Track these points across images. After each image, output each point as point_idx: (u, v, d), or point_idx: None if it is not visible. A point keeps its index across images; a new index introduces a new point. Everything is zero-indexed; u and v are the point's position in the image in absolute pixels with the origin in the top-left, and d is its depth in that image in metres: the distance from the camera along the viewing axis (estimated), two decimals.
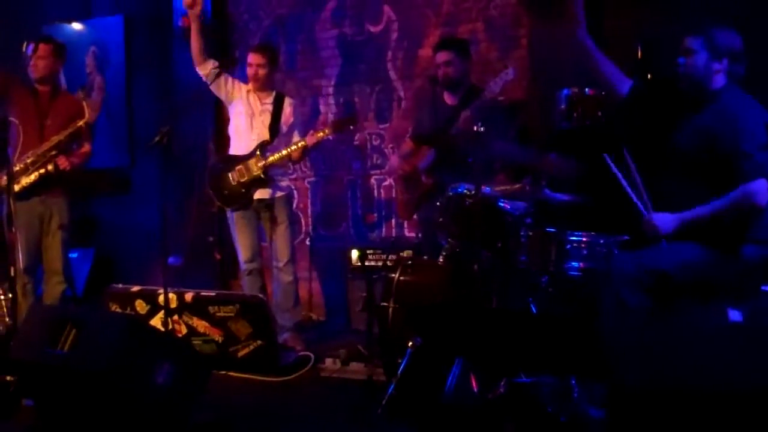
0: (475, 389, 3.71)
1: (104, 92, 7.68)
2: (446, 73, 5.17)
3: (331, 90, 6.96)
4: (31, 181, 5.28)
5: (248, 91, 5.73)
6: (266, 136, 5.62)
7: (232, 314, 4.97)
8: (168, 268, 4.98)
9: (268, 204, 5.64)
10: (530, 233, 4.25)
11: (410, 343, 4.04)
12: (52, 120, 5.39)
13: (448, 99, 5.27)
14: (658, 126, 4.02)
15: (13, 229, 4.97)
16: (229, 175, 5.59)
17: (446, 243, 4.54)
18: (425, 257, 4.94)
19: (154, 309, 5.17)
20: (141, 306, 5.25)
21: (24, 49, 5.39)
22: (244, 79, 6.02)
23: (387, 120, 6.74)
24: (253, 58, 5.65)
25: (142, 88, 7.65)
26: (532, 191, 4.31)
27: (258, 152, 5.56)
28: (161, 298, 4.97)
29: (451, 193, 4.51)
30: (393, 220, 6.70)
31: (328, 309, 6.81)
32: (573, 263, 4.10)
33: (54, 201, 5.42)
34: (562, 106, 4.87)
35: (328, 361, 5.05)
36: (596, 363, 2.98)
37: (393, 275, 4.55)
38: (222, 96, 5.78)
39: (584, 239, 4.12)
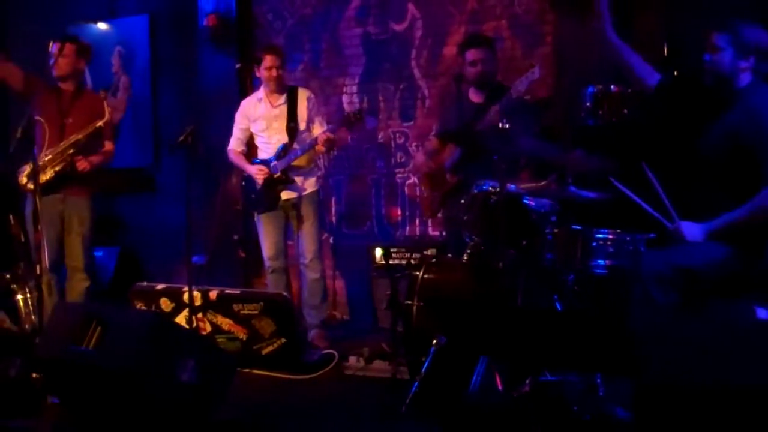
0: (500, 387, 3.69)
1: (129, 92, 7.73)
2: (477, 71, 5.13)
3: (355, 88, 6.96)
4: (48, 178, 5.30)
5: (259, 100, 5.77)
6: (284, 137, 5.64)
7: (256, 312, 4.98)
8: (193, 266, 4.99)
9: (294, 203, 5.66)
10: (555, 231, 4.21)
11: (434, 342, 4.02)
12: (73, 119, 5.42)
13: (474, 96, 5.24)
14: (684, 124, 3.97)
15: (39, 227, 5.00)
16: (255, 179, 5.65)
17: (471, 241, 4.51)
18: (449, 255, 4.92)
19: (179, 307, 5.19)
20: (166, 304, 5.27)
21: (49, 48, 5.43)
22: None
23: (411, 118, 6.72)
24: (270, 61, 5.64)
25: (167, 88, 7.70)
26: (557, 188, 4.28)
27: (279, 155, 5.58)
28: (186, 296, 4.98)
29: (475, 191, 4.48)
30: (417, 219, 6.68)
31: (352, 307, 6.81)
32: (599, 261, 4.05)
33: (75, 200, 5.46)
34: (588, 103, 4.85)
35: (352, 359, 5.04)
36: (623, 361, 2.95)
37: (417, 273, 4.53)
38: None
39: (610, 237, 4.08)
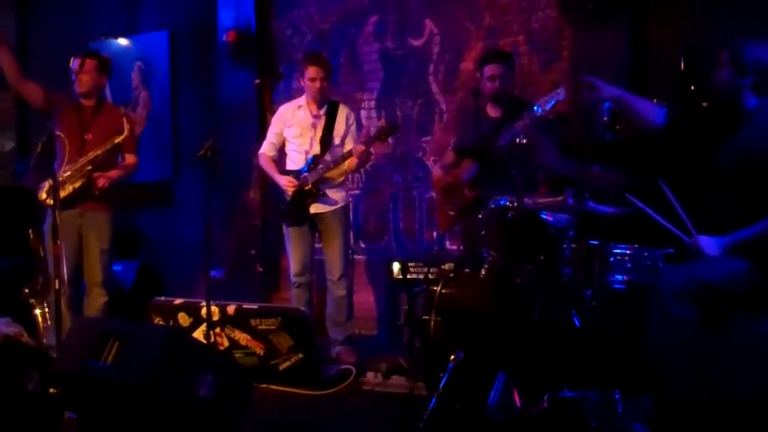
0: (518, 403, 3.67)
1: (149, 107, 7.77)
2: (495, 87, 5.12)
3: (373, 103, 6.97)
4: (66, 194, 5.34)
5: (299, 107, 5.72)
6: (317, 148, 5.62)
7: (273, 327, 4.98)
8: (211, 280, 5.01)
9: (322, 217, 5.64)
10: (573, 246, 4.21)
11: (452, 357, 4.01)
12: (93, 134, 5.48)
13: (492, 111, 5.23)
14: (698, 145, 3.97)
15: (59, 242, 5.02)
16: (284, 191, 5.62)
17: (488, 256, 4.51)
18: (467, 270, 4.90)
19: (197, 322, 5.20)
20: (184, 318, 5.28)
21: (70, 64, 5.47)
22: (288, 93, 6.04)
23: (429, 133, 6.73)
24: (314, 72, 5.57)
25: (187, 103, 7.74)
26: (575, 203, 4.27)
27: (309, 166, 5.57)
28: (204, 311, 4.99)
29: (493, 206, 4.48)
30: (435, 233, 6.67)
31: (370, 322, 6.80)
32: (617, 276, 4.04)
33: (94, 215, 5.51)
34: (605, 118, 4.84)
35: (370, 375, 5.03)
36: (641, 377, 2.93)
37: (435, 288, 4.52)
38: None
39: (628, 252, 4.07)
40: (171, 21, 7.81)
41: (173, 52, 7.78)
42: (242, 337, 5.10)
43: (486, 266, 4.49)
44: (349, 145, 5.63)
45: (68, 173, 5.37)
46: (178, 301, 5.39)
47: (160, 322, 5.35)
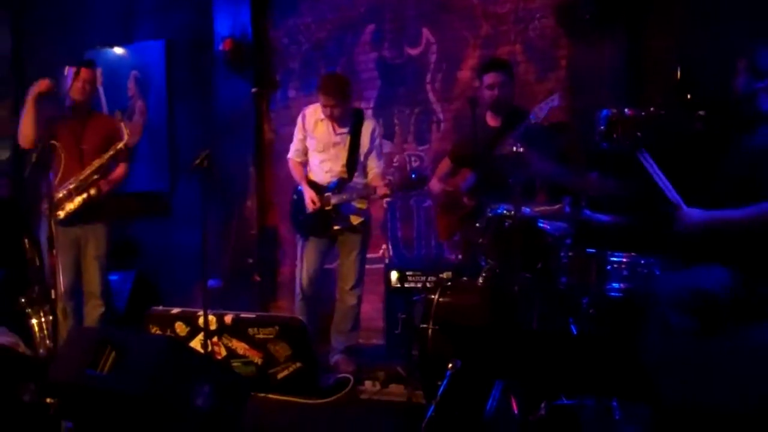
0: (516, 412, 3.67)
1: (145, 116, 7.77)
2: (494, 95, 5.12)
3: (370, 112, 6.96)
4: (75, 206, 5.37)
5: (322, 120, 5.58)
6: (339, 169, 5.54)
7: (271, 336, 4.97)
8: (208, 290, 5.00)
9: (343, 233, 5.61)
10: (570, 254, 4.21)
11: (450, 365, 4.00)
12: (88, 144, 5.48)
13: (491, 120, 5.23)
14: (709, 152, 4.00)
15: (54, 252, 5.02)
16: (320, 198, 5.55)
17: (486, 264, 4.51)
18: (465, 278, 4.90)
19: (194, 331, 5.19)
20: (181, 328, 5.27)
21: (65, 72, 5.47)
22: (283, 100, 6.01)
23: (426, 142, 6.73)
24: (324, 101, 5.44)
25: (183, 112, 7.74)
26: (572, 212, 4.28)
27: (334, 190, 5.51)
28: (201, 320, 4.99)
29: (490, 214, 4.48)
30: (432, 242, 6.67)
31: (367, 331, 6.79)
32: (614, 284, 4.05)
33: (92, 226, 5.50)
34: (602, 127, 4.84)
35: (368, 384, 5.03)
36: (638, 385, 2.93)
37: (432, 297, 4.52)
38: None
39: (625, 260, 4.08)
40: (167, 30, 7.81)
41: (169, 61, 7.78)
42: (240, 347, 5.09)
43: (483, 274, 4.50)
44: (372, 162, 5.57)
45: (74, 185, 5.37)
46: (175, 310, 5.38)
47: (158, 332, 5.33)
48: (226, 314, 5.15)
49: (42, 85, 5.36)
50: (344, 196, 5.48)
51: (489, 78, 5.15)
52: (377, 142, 5.62)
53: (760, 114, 3.76)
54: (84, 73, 5.47)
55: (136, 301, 6.91)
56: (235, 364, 5.06)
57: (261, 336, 5.01)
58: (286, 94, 7.32)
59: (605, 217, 4.28)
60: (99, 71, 5.75)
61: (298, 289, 5.70)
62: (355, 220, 5.60)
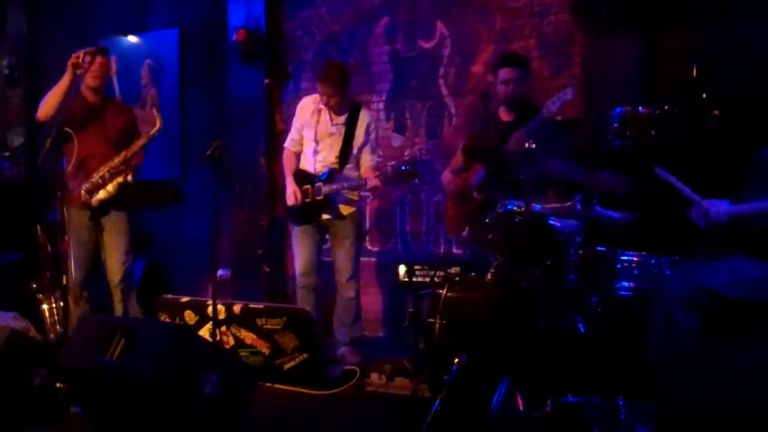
0: (522, 408, 3.67)
1: (158, 105, 7.78)
2: (509, 91, 5.12)
3: (382, 105, 6.97)
4: (112, 192, 5.30)
5: (319, 110, 5.61)
6: (332, 160, 5.56)
7: (279, 327, 4.99)
8: (217, 279, 5.01)
9: (334, 222, 5.62)
10: (580, 252, 4.21)
11: (456, 360, 4.01)
12: (112, 129, 5.44)
13: (504, 115, 5.23)
14: (723, 152, 3.98)
15: (66, 238, 5.03)
16: (303, 191, 5.57)
17: (495, 260, 4.50)
18: (473, 274, 4.90)
19: (203, 320, 5.21)
20: (190, 316, 5.29)
21: (80, 59, 5.39)
22: (296, 93, 5.99)
23: (438, 136, 6.72)
24: (322, 89, 5.48)
25: (196, 101, 7.76)
26: (583, 209, 4.27)
27: (325, 180, 5.52)
28: (210, 310, 5.01)
29: (500, 210, 4.48)
30: (442, 236, 6.67)
31: (375, 324, 6.80)
32: (623, 283, 4.05)
33: (114, 215, 5.42)
34: (615, 124, 4.83)
35: (374, 376, 5.04)
36: (645, 384, 2.93)
37: (440, 291, 4.52)
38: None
39: (635, 259, 4.07)
40: (181, 19, 7.83)
41: (183, 51, 7.80)
42: (248, 336, 5.11)
43: (492, 270, 4.49)
44: (365, 155, 5.59)
45: (101, 173, 5.31)
46: (184, 299, 5.41)
47: (167, 320, 5.36)
48: (234, 304, 5.18)
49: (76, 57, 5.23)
50: (334, 187, 5.48)
51: (504, 73, 5.14)
52: (372, 136, 5.63)
53: None
54: (99, 60, 5.46)
55: (146, 289, 6.95)
56: (242, 353, 5.09)
57: (269, 326, 5.03)
58: (299, 85, 7.32)
59: (617, 215, 4.27)
60: (113, 59, 5.72)
61: (298, 279, 5.70)
62: (345, 210, 5.60)
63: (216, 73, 7.57)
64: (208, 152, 4.89)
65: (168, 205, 7.65)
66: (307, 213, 5.60)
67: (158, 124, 5.42)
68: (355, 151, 5.58)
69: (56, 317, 5.46)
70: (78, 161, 5.36)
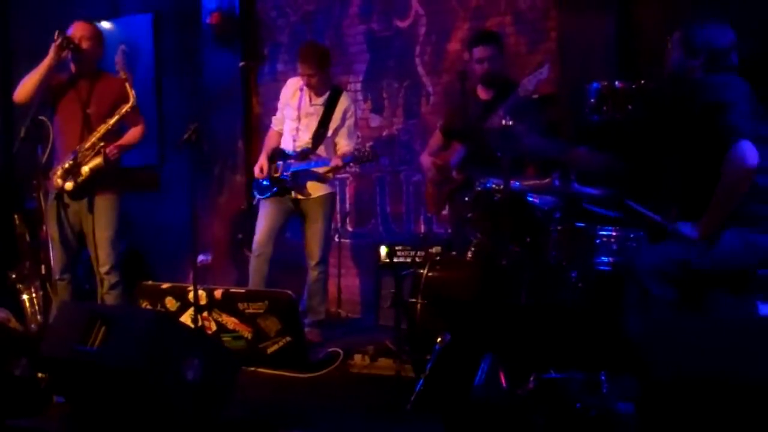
0: (504, 385, 3.68)
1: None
2: (484, 68, 5.12)
3: (359, 86, 6.95)
4: (84, 178, 5.07)
5: (301, 89, 5.64)
6: (307, 139, 5.57)
7: (261, 311, 4.98)
8: (198, 265, 4.99)
9: (305, 202, 5.63)
10: (559, 228, 4.22)
11: (439, 339, 4.02)
12: (95, 107, 5.16)
13: (483, 93, 5.23)
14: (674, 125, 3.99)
15: (44, 227, 4.99)
16: (271, 167, 5.62)
17: (475, 238, 4.51)
18: (454, 253, 4.91)
19: (184, 306, 5.19)
20: (171, 303, 5.27)
21: (55, 37, 5.05)
22: (273, 75, 5.96)
23: (415, 115, 6.72)
24: (302, 69, 5.50)
25: (171, 86, 7.71)
26: (561, 185, 4.28)
27: (296, 156, 5.55)
28: (191, 295, 4.99)
29: (479, 189, 4.48)
30: (422, 217, 6.68)
31: (356, 305, 6.81)
32: (603, 258, 4.06)
33: (101, 201, 5.21)
34: (592, 100, 4.83)
35: (357, 357, 5.04)
36: (625, 357, 2.95)
37: (421, 271, 4.53)
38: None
39: (614, 234, 4.09)
40: (154, 3, 7.77)
41: (157, 35, 7.74)
42: (230, 321, 5.09)
43: (472, 249, 4.50)
44: (341, 139, 5.58)
45: (80, 155, 5.07)
46: (165, 285, 5.38)
47: (148, 306, 5.34)
48: (215, 289, 5.16)
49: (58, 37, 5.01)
50: (302, 165, 5.51)
51: (478, 51, 5.14)
52: (350, 122, 5.63)
53: (694, 86, 3.75)
54: (84, 29, 5.24)
55: (125, 275, 6.91)
56: (225, 338, 5.07)
57: (251, 311, 5.01)
58: (275, 67, 7.29)
59: (595, 191, 4.28)
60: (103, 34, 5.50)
61: (254, 248, 5.69)
62: (316, 191, 5.61)
63: (191, 58, 7.53)
64: (185, 136, 4.85)
65: (145, 191, 7.60)
66: (273, 187, 5.63)
67: (131, 99, 5.13)
68: (330, 133, 5.58)
69: (36, 307, 5.41)
70: (66, 143, 5.17)
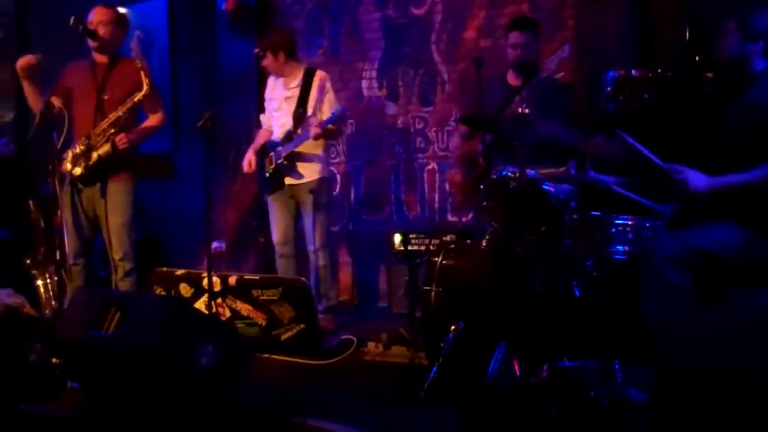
0: (518, 373, 3.67)
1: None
2: (517, 54, 5.07)
3: (374, 73, 6.93)
4: (92, 163, 5.05)
5: (276, 79, 5.80)
6: (288, 123, 5.63)
7: (275, 297, 4.99)
8: (212, 251, 4.99)
9: (298, 189, 5.65)
10: (575, 216, 4.19)
11: (452, 327, 4.02)
12: (111, 93, 5.11)
13: (513, 80, 5.18)
14: (703, 113, 3.97)
15: (59, 213, 5.00)
16: (264, 161, 5.70)
17: (490, 227, 4.49)
18: (468, 241, 4.89)
19: (199, 292, 5.21)
20: (185, 289, 5.29)
21: (73, 22, 5.11)
22: None
23: (431, 103, 6.69)
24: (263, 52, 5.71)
25: (186, 73, 7.70)
26: (577, 174, 4.25)
27: (284, 141, 5.60)
28: (205, 282, 4.99)
29: (495, 177, 4.46)
30: (436, 205, 6.66)
31: (371, 293, 6.80)
32: (618, 247, 4.03)
33: (115, 187, 5.18)
34: (608, 88, 4.80)
35: (371, 345, 5.05)
36: (640, 346, 2.93)
37: (436, 259, 4.52)
38: None
39: (630, 222, 4.05)
40: None
41: (172, 21, 7.72)
42: (244, 308, 5.11)
43: (487, 237, 4.49)
44: (325, 114, 5.56)
45: (90, 140, 5.05)
46: (179, 271, 5.40)
47: (162, 293, 5.36)
48: (230, 275, 5.18)
49: (23, 61, 5.00)
50: (290, 146, 5.55)
51: (514, 36, 5.08)
52: (328, 95, 5.67)
53: (752, 74, 3.76)
54: (106, 14, 5.26)
55: (140, 262, 6.92)
56: (239, 325, 5.09)
57: (265, 297, 5.03)
58: None
59: (611, 179, 4.25)
60: (126, 17, 5.52)
61: (276, 248, 5.79)
62: (310, 173, 5.64)
63: (206, 44, 7.51)
64: (200, 123, 4.84)
65: (160, 177, 7.61)
66: (273, 180, 5.68)
67: (145, 87, 5.07)
68: (310, 111, 5.61)
69: (51, 293, 5.42)
70: (80, 128, 5.16)
